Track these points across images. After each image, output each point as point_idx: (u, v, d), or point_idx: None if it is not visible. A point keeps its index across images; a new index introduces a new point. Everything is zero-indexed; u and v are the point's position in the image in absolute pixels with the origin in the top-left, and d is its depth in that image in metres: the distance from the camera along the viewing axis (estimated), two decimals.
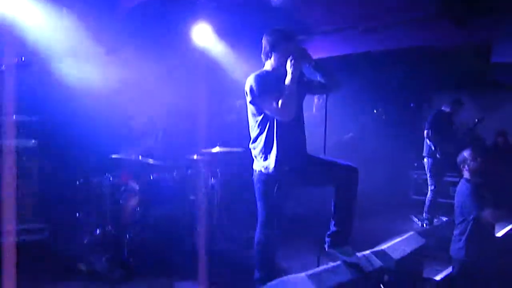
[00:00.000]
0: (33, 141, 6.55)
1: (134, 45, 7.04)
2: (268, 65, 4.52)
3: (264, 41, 4.52)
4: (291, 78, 4.18)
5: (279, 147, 4.30)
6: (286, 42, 4.39)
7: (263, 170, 4.37)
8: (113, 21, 6.82)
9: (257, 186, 4.46)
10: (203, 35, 7.35)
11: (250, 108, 4.47)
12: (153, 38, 7.15)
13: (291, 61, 4.22)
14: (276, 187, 4.33)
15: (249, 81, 4.34)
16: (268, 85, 4.26)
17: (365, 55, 8.18)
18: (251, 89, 4.31)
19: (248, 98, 4.39)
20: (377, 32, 7.61)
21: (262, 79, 4.32)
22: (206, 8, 7.14)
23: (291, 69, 4.20)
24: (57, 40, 6.38)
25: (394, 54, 8.09)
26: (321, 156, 4.64)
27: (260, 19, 7.11)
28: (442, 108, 7.92)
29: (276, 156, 4.29)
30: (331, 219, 4.45)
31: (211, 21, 7.39)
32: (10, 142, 6.23)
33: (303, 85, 4.53)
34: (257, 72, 4.41)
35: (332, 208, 4.44)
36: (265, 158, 4.36)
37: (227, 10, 7.25)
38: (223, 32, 7.61)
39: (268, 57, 4.51)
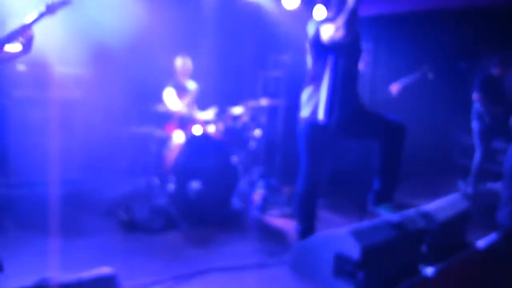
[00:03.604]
0: (78, 92, 6.61)
1: None
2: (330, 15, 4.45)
3: None
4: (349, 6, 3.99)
5: (329, 96, 4.25)
6: None
7: (310, 119, 4.33)
8: None
9: (302, 136, 4.43)
10: None
11: (308, 54, 4.44)
12: None
13: None
14: (322, 137, 4.31)
15: (311, 24, 4.35)
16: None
17: (418, 13, 8.00)
18: (311, 27, 4.32)
19: (309, 41, 4.38)
20: None
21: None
22: None
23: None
24: None
25: (447, 13, 7.89)
26: (372, 109, 4.55)
27: None
28: (491, 70, 7.68)
29: (326, 105, 4.25)
30: (375, 176, 4.40)
31: None
32: (57, 94, 6.30)
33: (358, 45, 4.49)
34: None
35: (377, 164, 4.38)
36: (314, 107, 4.32)
37: None
38: None
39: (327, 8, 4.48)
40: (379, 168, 4.38)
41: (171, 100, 6.53)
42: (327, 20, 4.27)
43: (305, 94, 4.48)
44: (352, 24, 3.98)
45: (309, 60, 4.46)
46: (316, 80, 4.37)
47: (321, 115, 4.28)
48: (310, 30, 4.34)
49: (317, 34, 4.25)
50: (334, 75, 4.28)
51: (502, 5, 7.46)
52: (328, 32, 4.13)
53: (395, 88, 6.99)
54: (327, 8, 4.48)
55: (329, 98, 4.28)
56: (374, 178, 4.42)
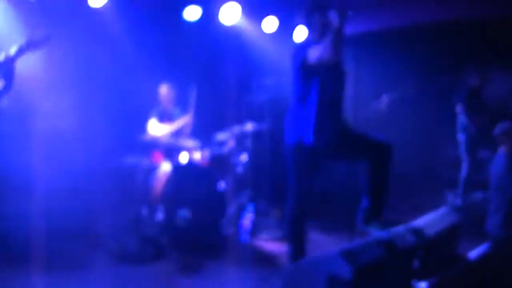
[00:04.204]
0: (64, 124, 6.59)
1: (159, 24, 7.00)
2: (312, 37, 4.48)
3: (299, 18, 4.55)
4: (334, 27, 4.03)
5: (315, 118, 4.28)
6: (321, 12, 4.35)
7: (296, 141, 4.35)
8: None
9: (289, 159, 4.45)
10: (232, 14, 7.26)
11: (294, 79, 4.46)
12: (179, 18, 7.09)
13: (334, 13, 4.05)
14: (308, 159, 4.33)
15: (295, 48, 4.42)
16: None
17: (395, 31, 8.08)
18: (297, 50, 4.38)
19: (295, 60, 4.41)
20: (406, 7, 7.50)
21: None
22: None
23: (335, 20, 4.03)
24: None
25: (424, 29, 7.98)
26: (357, 129, 4.58)
27: None
28: (471, 83, 7.76)
29: (312, 127, 4.27)
30: (364, 195, 4.42)
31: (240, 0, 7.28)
32: (42, 126, 6.28)
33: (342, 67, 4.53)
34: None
35: (365, 183, 4.41)
36: (300, 129, 4.33)
37: None
38: (252, 12, 7.52)
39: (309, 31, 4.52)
40: (367, 187, 4.41)
41: (155, 130, 6.55)
42: (312, 42, 4.32)
43: (291, 117, 4.49)
44: (339, 43, 4.03)
45: (294, 83, 4.48)
46: (302, 102, 4.39)
47: (307, 137, 4.30)
48: (296, 53, 4.37)
49: (304, 57, 4.28)
50: (320, 98, 4.31)
51: (481, 19, 7.54)
52: (315, 54, 4.16)
53: (383, 102, 7.02)
54: (309, 31, 4.50)
55: (315, 120, 4.30)
56: (362, 197, 4.44)
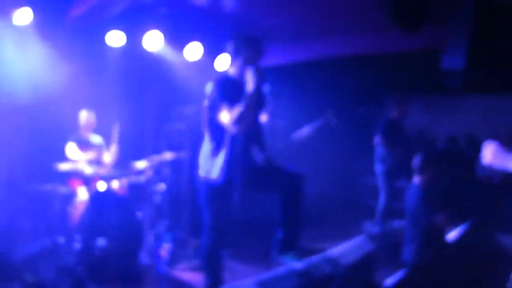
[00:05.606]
0: None
1: (81, 49, 6.90)
2: (231, 69, 4.47)
3: (228, 45, 4.48)
4: (251, 90, 4.07)
5: (227, 155, 4.27)
6: (249, 48, 4.35)
7: (208, 177, 4.33)
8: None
9: (201, 193, 4.43)
10: (154, 42, 7.24)
11: (205, 114, 4.42)
12: (102, 43, 7.01)
13: (254, 71, 4.08)
14: (220, 195, 4.32)
15: (210, 86, 4.32)
16: (228, 93, 4.21)
17: (316, 62, 8.23)
18: (211, 95, 4.28)
19: (206, 103, 4.34)
20: (326, 39, 7.65)
21: (222, 85, 4.28)
22: (157, 15, 7.04)
23: (252, 79, 4.07)
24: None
25: (344, 61, 8.16)
26: (267, 162, 4.54)
27: (213, 26, 7.13)
28: (391, 114, 7.95)
29: (223, 165, 4.26)
30: (278, 225, 4.44)
31: (162, 28, 7.26)
32: None
33: (261, 96, 4.50)
34: (219, 77, 4.39)
35: (278, 214, 4.43)
36: (211, 166, 4.32)
37: (179, 17, 7.17)
38: (174, 39, 7.52)
39: (232, 61, 4.47)
40: (281, 217, 4.44)
41: (73, 156, 6.46)
42: (231, 76, 4.34)
43: (202, 153, 4.48)
44: (250, 111, 4.08)
45: (205, 118, 4.46)
46: (213, 138, 4.38)
47: (217, 175, 4.29)
48: (209, 91, 4.33)
49: (214, 105, 4.26)
50: (233, 136, 4.29)
51: (399, 52, 7.77)
52: (224, 119, 4.19)
53: (305, 133, 7.03)
54: (232, 59, 4.48)
55: (227, 158, 4.29)
56: (277, 227, 4.46)
